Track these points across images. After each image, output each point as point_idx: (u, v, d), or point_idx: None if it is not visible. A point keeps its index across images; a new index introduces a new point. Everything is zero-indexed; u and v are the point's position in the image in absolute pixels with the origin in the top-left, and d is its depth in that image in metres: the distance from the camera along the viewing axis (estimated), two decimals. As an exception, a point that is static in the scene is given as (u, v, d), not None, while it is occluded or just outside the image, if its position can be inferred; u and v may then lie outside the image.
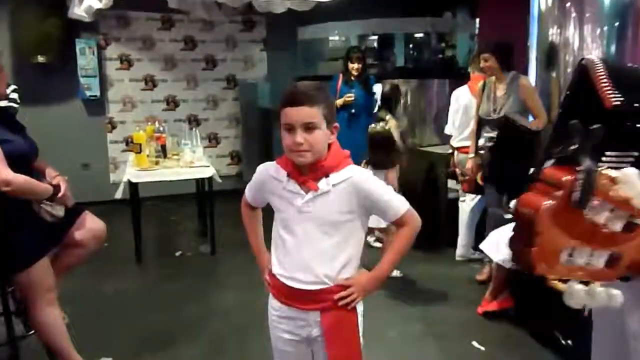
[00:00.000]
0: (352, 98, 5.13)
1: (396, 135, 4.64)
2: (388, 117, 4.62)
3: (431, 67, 6.64)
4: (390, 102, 4.80)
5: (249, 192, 1.92)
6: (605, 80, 1.63)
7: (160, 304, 3.88)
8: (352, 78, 5.22)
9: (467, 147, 4.39)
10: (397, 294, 3.93)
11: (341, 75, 5.30)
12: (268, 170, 1.79)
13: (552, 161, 1.55)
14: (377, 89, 5.03)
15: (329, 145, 1.72)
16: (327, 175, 1.70)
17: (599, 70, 1.64)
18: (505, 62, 3.78)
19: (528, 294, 3.40)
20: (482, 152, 3.97)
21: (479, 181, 4.07)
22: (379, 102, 4.78)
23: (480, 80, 4.35)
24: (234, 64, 7.11)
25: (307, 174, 1.71)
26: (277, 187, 1.76)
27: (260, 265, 1.95)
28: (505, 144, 2.25)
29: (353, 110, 5.13)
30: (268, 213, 1.87)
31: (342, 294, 1.74)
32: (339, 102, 5.15)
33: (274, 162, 1.79)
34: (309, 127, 1.65)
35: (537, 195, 1.44)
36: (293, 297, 1.76)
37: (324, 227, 1.71)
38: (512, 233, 1.53)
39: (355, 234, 1.75)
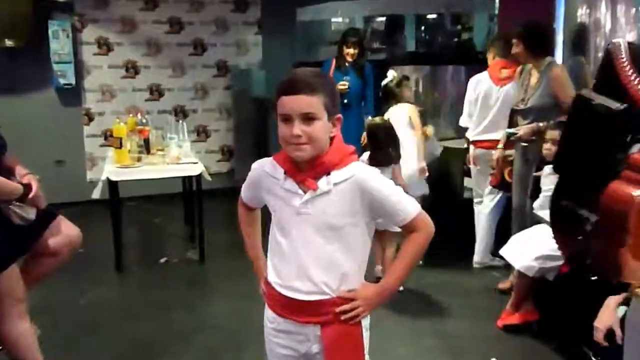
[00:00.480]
0: (346, 86, 5.13)
1: (416, 120, 4.62)
2: (402, 104, 4.60)
3: (445, 52, 6.64)
4: (393, 91, 4.77)
5: (245, 191, 1.93)
6: (629, 69, 1.61)
7: (143, 316, 3.88)
8: (347, 64, 5.22)
9: (485, 141, 4.40)
10: (407, 305, 3.93)
11: (334, 60, 5.30)
12: (264, 167, 1.80)
13: (639, 145, 1.49)
14: (390, 74, 4.93)
15: (331, 140, 1.72)
16: (328, 173, 1.70)
17: (622, 58, 1.62)
18: (535, 47, 3.76)
19: (554, 305, 3.40)
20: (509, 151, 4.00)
21: (507, 177, 4.08)
22: (385, 86, 4.74)
23: (501, 66, 4.35)
24: (225, 48, 7.09)
25: (306, 171, 1.70)
26: (273, 185, 1.76)
27: (257, 272, 1.96)
28: (577, 127, 2.21)
29: (345, 101, 5.13)
30: (268, 214, 1.87)
31: (345, 307, 1.73)
32: None
33: (271, 158, 1.79)
34: (307, 118, 1.64)
35: (627, 185, 1.37)
36: (290, 308, 1.76)
37: (324, 231, 1.70)
38: (584, 233, 1.46)
39: (359, 239, 1.75)
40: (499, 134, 4.21)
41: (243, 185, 1.92)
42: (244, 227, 2.00)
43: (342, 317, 1.73)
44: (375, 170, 1.76)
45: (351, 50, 5.19)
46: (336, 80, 5.12)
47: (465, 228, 4.75)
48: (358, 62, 5.24)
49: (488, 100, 4.41)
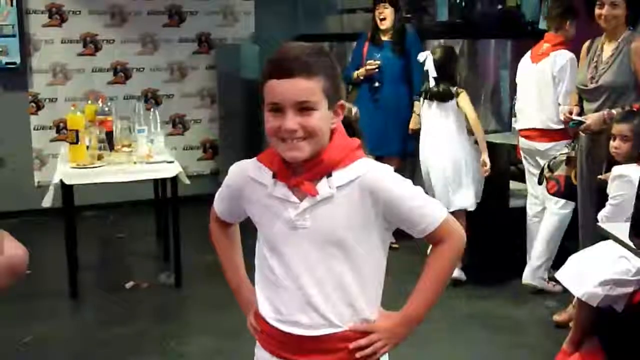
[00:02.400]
0: (375, 67, 5.09)
1: (470, 112, 4.61)
2: (461, 90, 4.60)
3: (486, 22, 6.62)
4: (449, 70, 4.75)
5: (219, 203, 1.93)
6: None
7: (103, 356, 3.88)
8: (382, 37, 5.16)
9: (527, 129, 4.42)
10: (436, 341, 3.92)
11: (369, 34, 5.25)
12: (246, 171, 1.79)
13: None
14: (425, 57, 4.89)
15: (331, 132, 1.72)
16: (328, 174, 1.70)
17: None
18: (636, 11, 3.79)
19: (624, 343, 3.39)
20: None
21: (574, 180, 4.06)
22: (433, 74, 4.70)
23: (545, 39, 4.36)
24: (208, 17, 7.11)
25: (302, 173, 1.71)
26: (258, 194, 1.76)
27: (243, 304, 1.95)
28: None
29: (377, 84, 5.09)
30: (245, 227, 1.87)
31: (361, 342, 1.74)
32: (360, 72, 5.12)
33: (254, 159, 1.79)
34: (304, 108, 1.65)
35: None
36: (290, 346, 1.76)
37: (328, 248, 1.71)
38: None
39: (372, 256, 1.76)
40: (543, 122, 4.26)
41: (216, 196, 1.93)
42: (219, 248, 2.00)
43: (358, 355, 1.74)
44: (387, 167, 1.76)
45: (381, 11, 5.08)
46: (370, 57, 5.11)
47: (513, 245, 4.74)
48: (393, 27, 5.14)
49: (528, 81, 4.49)
